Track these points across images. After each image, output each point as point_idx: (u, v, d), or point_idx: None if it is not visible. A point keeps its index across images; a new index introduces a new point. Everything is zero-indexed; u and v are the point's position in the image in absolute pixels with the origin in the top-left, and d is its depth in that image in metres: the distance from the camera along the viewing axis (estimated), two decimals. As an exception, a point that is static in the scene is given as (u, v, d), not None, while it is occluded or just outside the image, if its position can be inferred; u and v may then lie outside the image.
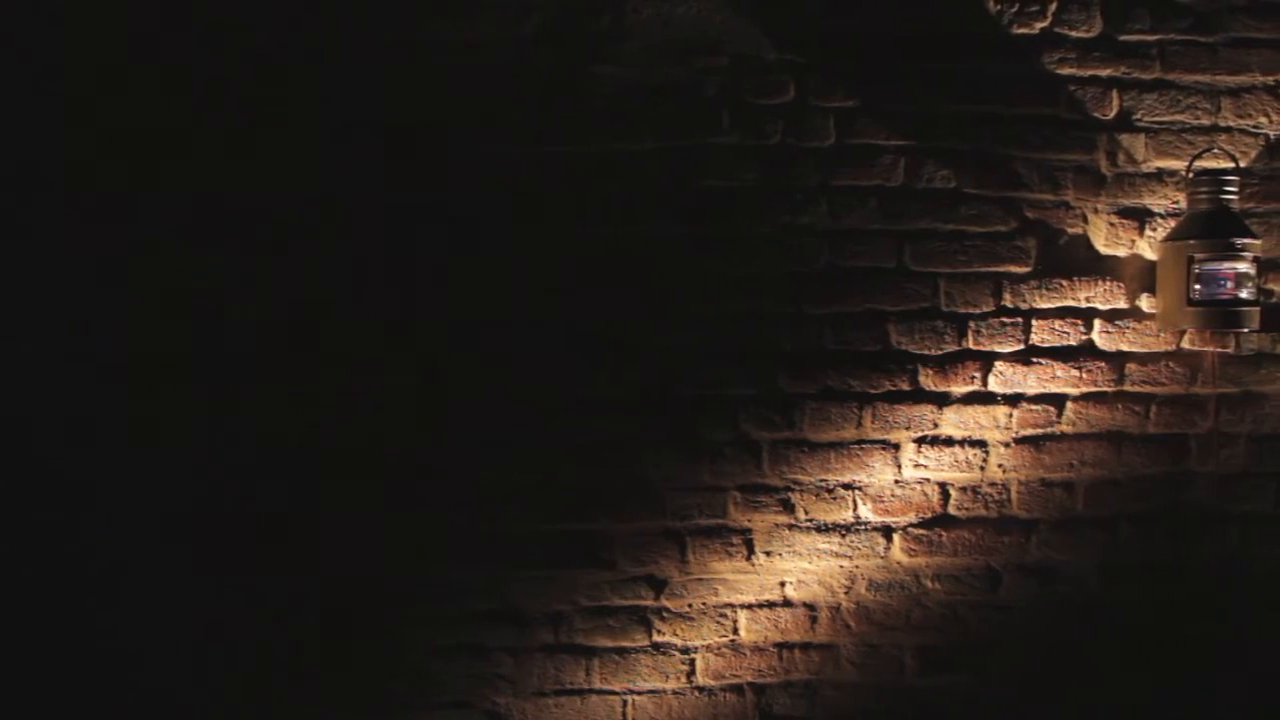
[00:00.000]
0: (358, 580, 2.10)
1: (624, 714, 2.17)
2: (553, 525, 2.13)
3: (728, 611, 2.19)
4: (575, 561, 2.15)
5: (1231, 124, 2.27)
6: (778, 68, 2.15)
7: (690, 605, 2.18)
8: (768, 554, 2.18)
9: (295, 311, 2.06)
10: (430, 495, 2.10)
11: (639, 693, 2.18)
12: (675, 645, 2.18)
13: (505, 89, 2.09)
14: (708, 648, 2.19)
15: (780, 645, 2.20)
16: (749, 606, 2.19)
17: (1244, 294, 2.13)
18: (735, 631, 2.19)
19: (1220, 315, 2.13)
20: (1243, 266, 2.13)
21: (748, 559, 2.18)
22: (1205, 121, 2.26)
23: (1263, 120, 2.27)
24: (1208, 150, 2.25)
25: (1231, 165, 2.23)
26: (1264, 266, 2.25)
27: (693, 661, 2.19)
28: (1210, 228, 2.13)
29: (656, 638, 2.18)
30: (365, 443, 2.08)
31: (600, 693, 2.17)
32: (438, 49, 2.08)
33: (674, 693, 2.19)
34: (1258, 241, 2.14)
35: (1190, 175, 2.22)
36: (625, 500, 2.14)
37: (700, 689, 2.19)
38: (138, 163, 2.03)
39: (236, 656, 2.08)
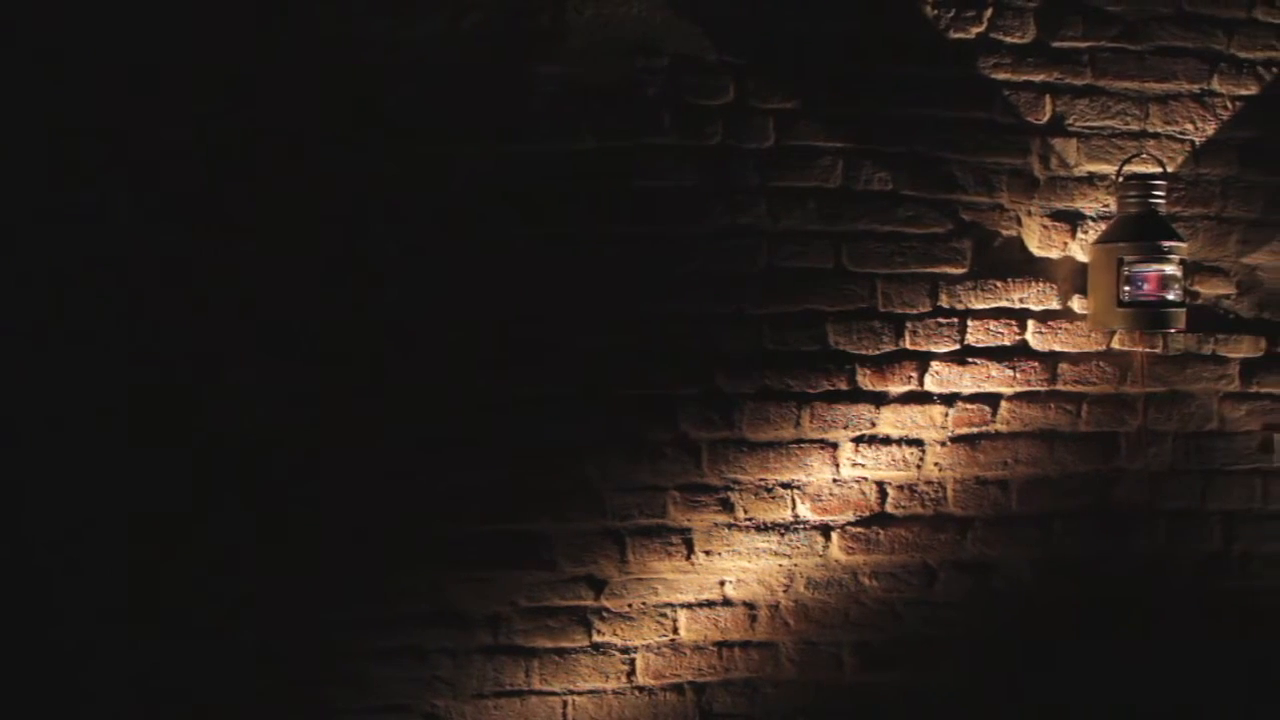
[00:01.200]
0: (295, 583, 2.06)
1: (564, 715, 2.17)
2: (492, 526, 2.12)
3: (668, 611, 2.19)
4: (515, 562, 2.13)
5: (1159, 130, 2.32)
6: (718, 69, 2.15)
7: (630, 605, 2.18)
8: (707, 553, 2.19)
9: (235, 313, 2.03)
10: (368, 497, 2.08)
11: (579, 693, 2.17)
12: (615, 645, 2.18)
13: (443, 88, 2.07)
14: (648, 647, 2.19)
15: (720, 644, 2.21)
16: (689, 606, 2.19)
17: (1171, 295, 2.18)
18: (675, 631, 2.19)
19: (1148, 316, 2.18)
20: (1170, 269, 2.18)
21: (687, 558, 2.18)
22: (1134, 127, 2.31)
23: (1189, 127, 2.33)
24: (1136, 155, 2.30)
25: (1159, 170, 2.28)
26: (1190, 269, 2.31)
27: (633, 661, 2.19)
28: (1139, 231, 2.18)
29: (596, 638, 2.17)
30: (301, 443, 2.05)
31: (540, 694, 2.16)
32: (375, 47, 2.05)
33: (614, 693, 2.18)
34: (1184, 244, 2.20)
35: (1120, 180, 2.26)
36: (565, 500, 2.14)
37: (640, 689, 2.19)
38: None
39: (175, 660, 2.03)
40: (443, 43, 2.07)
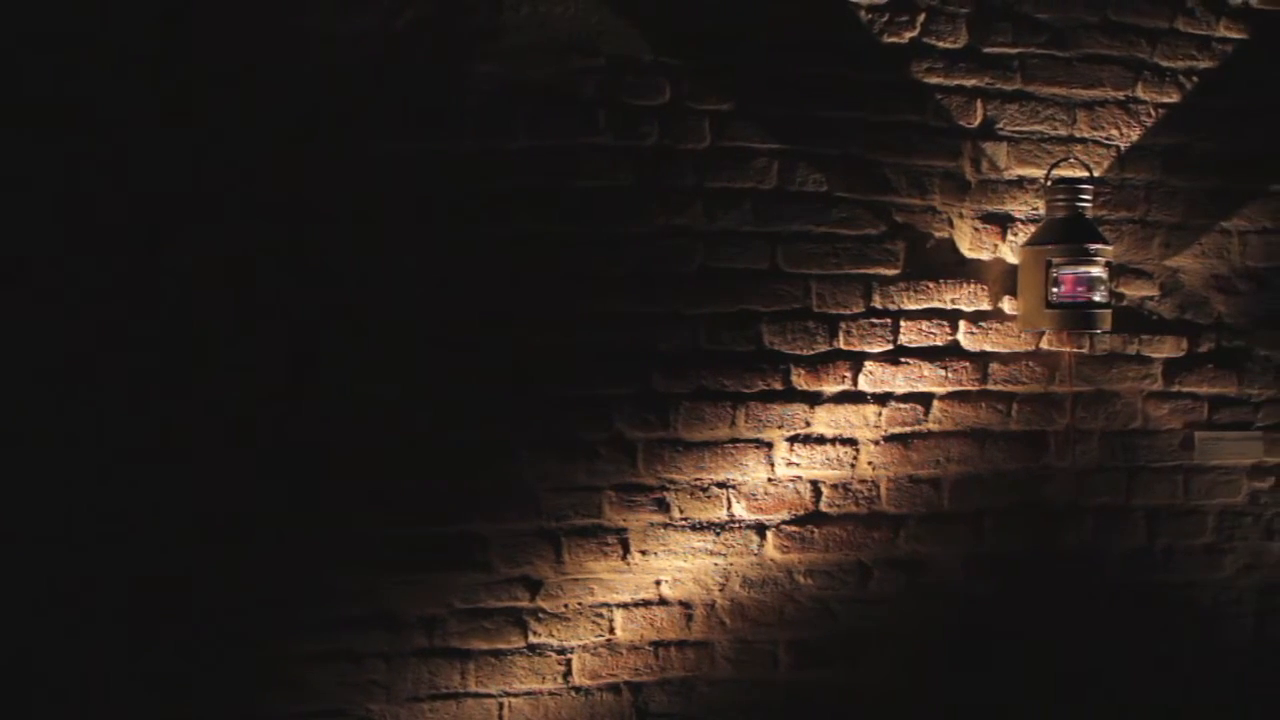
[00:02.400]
0: (227, 587, 2.02)
1: (500, 716, 2.15)
2: (426, 528, 2.10)
3: (604, 611, 2.19)
4: (449, 564, 2.11)
5: (1086, 135, 2.38)
6: (654, 69, 2.16)
7: (566, 605, 2.17)
8: (643, 553, 2.19)
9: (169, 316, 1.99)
10: (301, 498, 2.05)
11: (515, 695, 2.16)
12: (551, 646, 2.17)
13: (377, 84, 2.05)
14: (584, 648, 2.19)
15: (656, 643, 2.21)
16: (625, 605, 2.19)
17: (1097, 297, 2.23)
18: (611, 631, 2.19)
19: (1076, 317, 2.23)
20: (1096, 271, 2.23)
21: (623, 558, 2.18)
22: (1062, 132, 2.36)
23: (1114, 133, 2.39)
24: (1064, 160, 2.35)
25: (1086, 174, 2.33)
26: (1115, 271, 2.36)
27: (569, 662, 2.18)
28: (1067, 234, 2.23)
29: (532, 639, 2.16)
30: (234, 445, 2.02)
31: (476, 696, 2.15)
32: (309, 42, 2.02)
33: (550, 694, 2.18)
34: (1110, 247, 2.25)
35: (1048, 183, 2.31)
36: (500, 501, 2.12)
37: (577, 689, 2.19)
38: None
39: (109, 665, 1.99)
40: (376, 40, 2.05)
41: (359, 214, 2.05)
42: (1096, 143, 2.38)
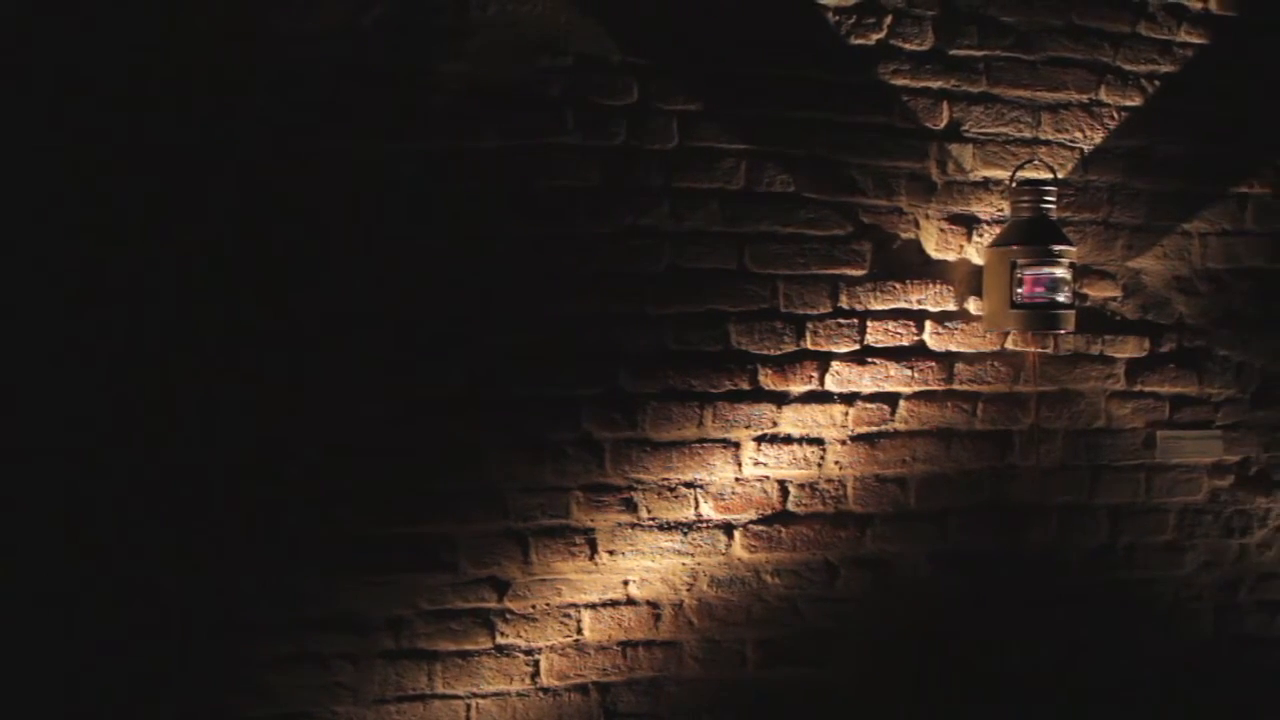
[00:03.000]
0: (191, 589, 2.00)
1: (468, 718, 2.14)
2: (393, 529, 2.08)
3: (571, 611, 2.19)
4: (416, 565, 2.10)
5: (1051, 138, 2.40)
6: (622, 69, 2.16)
7: (534, 606, 2.17)
8: (611, 553, 2.19)
9: (122, 313, 1.96)
10: (266, 499, 2.03)
11: (483, 696, 2.16)
12: (519, 647, 2.17)
13: (345, 83, 2.03)
14: (552, 648, 2.18)
15: (624, 644, 2.21)
16: (593, 606, 2.19)
17: (1061, 298, 2.25)
18: (579, 631, 2.19)
19: (1040, 317, 2.25)
20: (1060, 272, 2.25)
21: (591, 558, 2.18)
22: (1027, 134, 2.39)
23: (1078, 135, 2.41)
24: (1029, 162, 2.37)
25: (1050, 176, 2.35)
26: (1079, 272, 2.39)
27: (537, 663, 2.18)
28: (1031, 235, 2.25)
29: (500, 640, 2.16)
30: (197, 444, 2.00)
31: (443, 697, 2.14)
32: (274, 41, 2.00)
33: (518, 694, 2.17)
34: (1073, 248, 2.27)
35: (1013, 185, 2.33)
36: (467, 502, 2.11)
37: (545, 690, 2.18)
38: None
39: (71, 669, 1.96)
40: (343, 38, 2.03)
41: (326, 214, 2.03)
42: (1061, 145, 2.41)
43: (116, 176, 1.94)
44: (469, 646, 2.14)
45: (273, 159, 2.01)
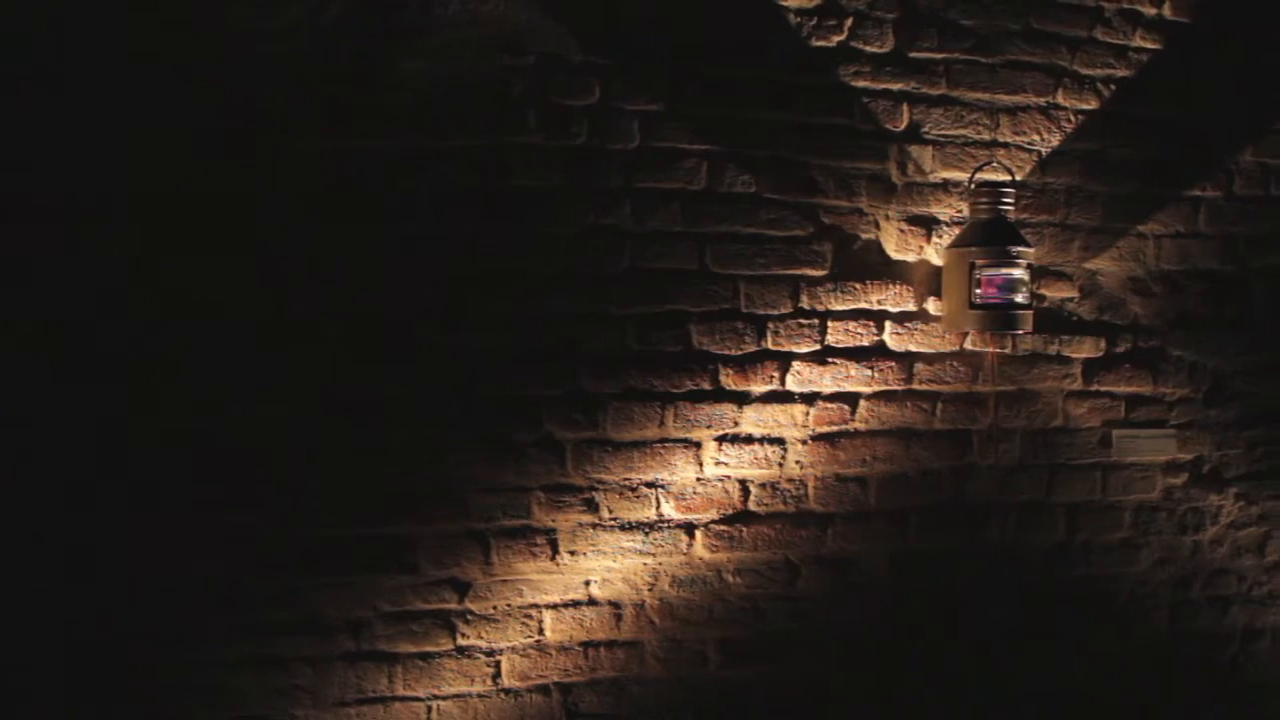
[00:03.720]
0: (147, 591, 1.97)
1: (428, 720, 2.14)
2: (353, 529, 2.07)
3: (533, 612, 2.18)
4: (376, 566, 2.09)
5: (1009, 140, 2.43)
6: (584, 69, 2.15)
7: (495, 607, 2.16)
8: (572, 553, 2.19)
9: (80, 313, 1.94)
10: (226, 499, 2.00)
11: (444, 698, 2.14)
12: (480, 648, 2.16)
13: (305, 80, 2.01)
14: (513, 649, 2.17)
15: (586, 644, 2.21)
16: (554, 606, 2.19)
17: (1019, 298, 2.27)
18: (541, 632, 2.18)
19: (998, 318, 2.27)
20: (1018, 273, 2.27)
21: (552, 559, 2.18)
22: (986, 137, 2.41)
23: (1036, 138, 2.44)
24: (988, 164, 2.39)
25: (1009, 178, 2.38)
26: (1036, 273, 2.41)
27: (498, 664, 2.17)
28: (990, 236, 2.27)
29: (461, 641, 2.15)
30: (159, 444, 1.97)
31: (404, 699, 2.12)
32: (236, 37, 1.98)
33: (480, 696, 2.16)
34: (1031, 250, 2.29)
35: (972, 186, 2.36)
36: (428, 503, 2.10)
37: (506, 691, 2.18)
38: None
39: (25, 670, 1.92)
40: (305, 34, 2.01)
41: (289, 212, 2.01)
42: (1019, 147, 2.44)
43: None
44: (430, 648, 2.13)
45: (231, 155, 1.98)
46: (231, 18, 1.97)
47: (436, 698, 2.14)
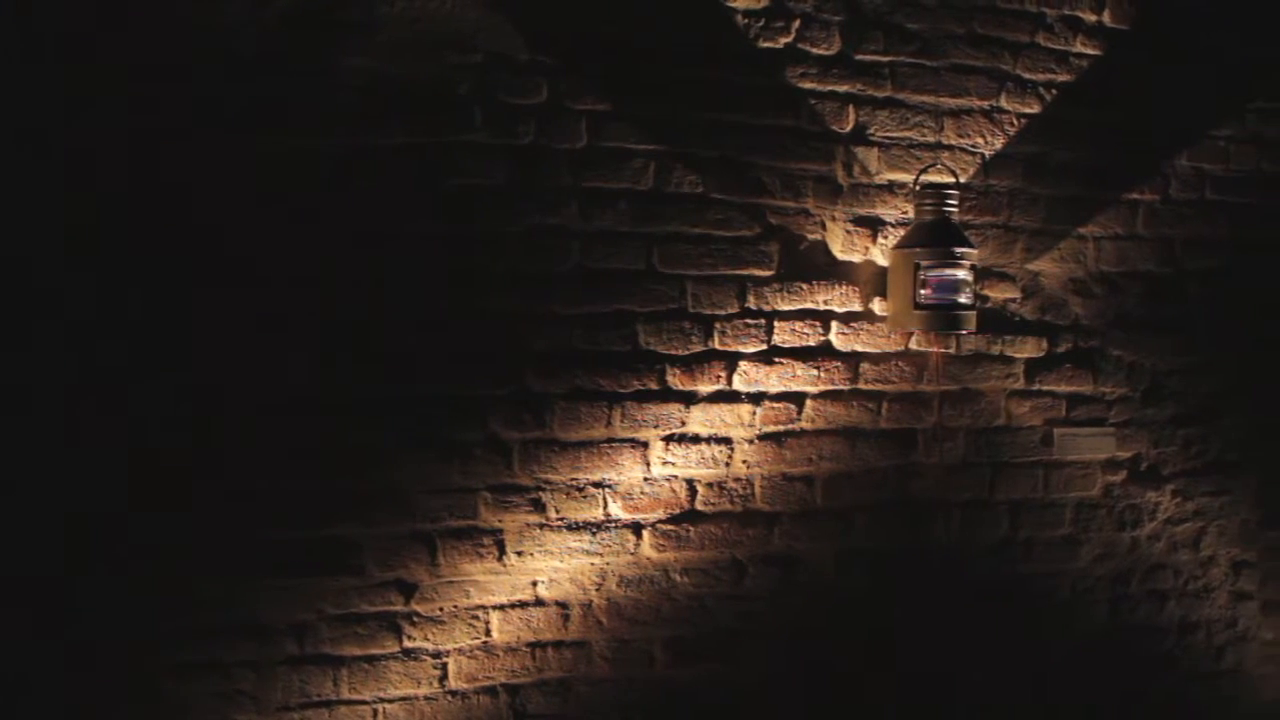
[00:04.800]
0: (82, 595, 1.93)
1: (374, 723, 2.12)
2: (297, 532, 2.04)
3: (480, 613, 2.17)
4: (321, 569, 2.06)
5: (953, 142, 2.46)
6: (531, 68, 2.14)
7: (441, 609, 2.14)
8: (519, 554, 2.18)
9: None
10: (165, 500, 1.96)
11: (390, 700, 2.13)
12: (427, 650, 2.14)
13: (247, 77, 1.98)
14: (460, 651, 2.16)
15: (533, 644, 2.20)
16: (501, 607, 2.18)
17: (963, 299, 2.30)
18: (488, 633, 2.17)
19: (943, 318, 2.30)
20: (962, 274, 2.30)
21: (499, 559, 2.17)
22: (931, 139, 2.44)
23: (979, 140, 2.48)
24: (932, 165, 2.42)
25: (953, 180, 2.41)
26: (980, 274, 2.45)
27: (445, 665, 2.15)
28: (934, 237, 2.30)
29: (407, 643, 2.13)
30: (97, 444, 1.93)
31: (349, 703, 2.10)
32: (178, 30, 1.94)
33: (426, 698, 2.15)
34: (975, 251, 2.33)
35: (917, 188, 2.38)
36: (373, 504, 2.08)
37: (453, 693, 2.16)
38: None
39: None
40: (248, 29, 1.98)
41: (229, 212, 1.98)
42: (963, 150, 2.47)
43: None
44: (375, 651, 2.11)
45: (171, 156, 1.95)
46: (170, 13, 1.94)
47: (382, 700, 2.12)
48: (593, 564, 2.23)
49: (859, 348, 2.39)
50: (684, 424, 2.27)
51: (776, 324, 2.33)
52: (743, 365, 2.31)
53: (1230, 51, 2.68)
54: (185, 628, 1.99)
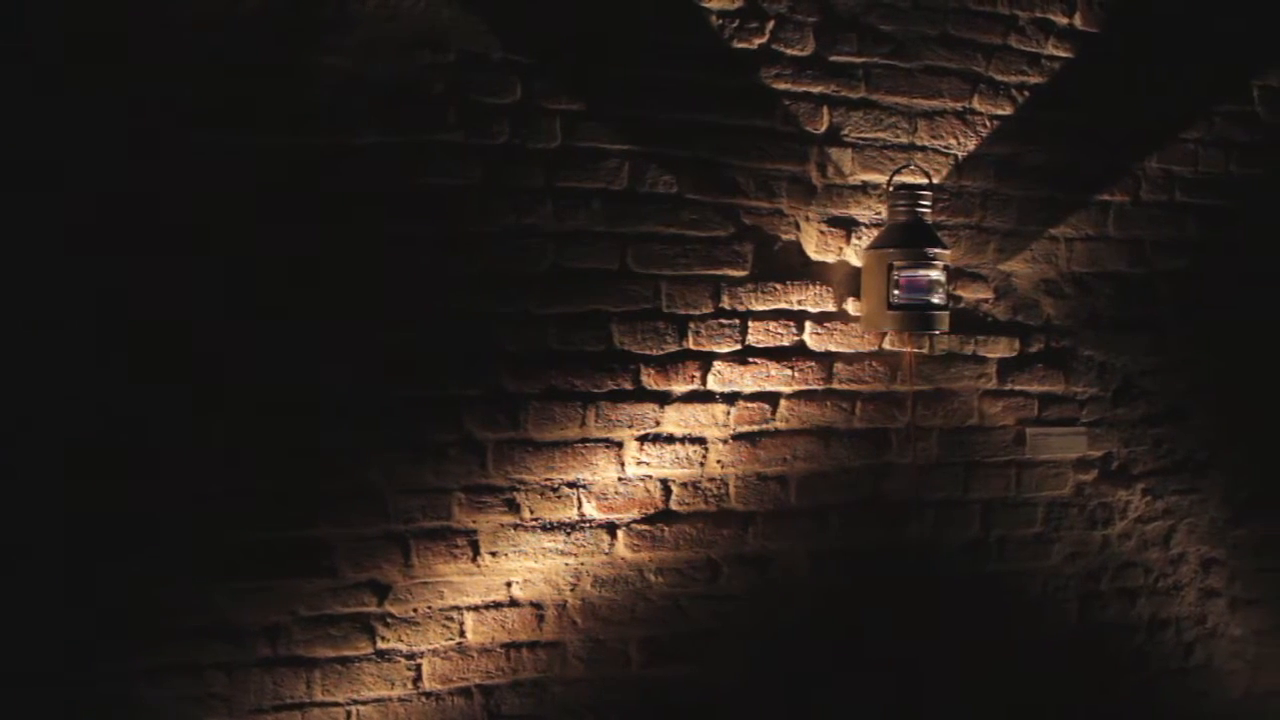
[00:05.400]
0: (52, 599, 1.91)
1: (347, 725, 2.11)
2: (269, 533, 2.03)
3: (454, 614, 2.16)
4: (294, 570, 2.05)
5: (926, 144, 2.47)
6: (505, 67, 2.14)
7: (415, 610, 2.14)
8: (493, 554, 2.17)
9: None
10: (135, 503, 1.95)
11: (363, 702, 2.12)
12: (400, 651, 2.13)
13: (218, 75, 1.97)
14: (434, 652, 2.15)
15: (508, 645, 2.20)
16: (475, 608, 2.17)
17: (936, 299, 2.31)
18: (462, 634, 2.17)
19: (916, 318, 2.31)
20: (935, 274, 2.31)
21: (473, 560, 2.16)
22: (904, 140, 2.45)
23: (952, 142, 2.49)
24: (906, 167, 2.44)
25: (926, 181, 2.42)
26: (953, 274, 2.46)
27: (419, 667, 2.15)
28: (907, 238, 2.31)
29: (381, 645, 2.12)
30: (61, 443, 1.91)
31: (322, 705, 2.09)
32: (145, 28, 1.92)
33: (400, 700, 2.14)
34: (948, 251, 2.34)
35: (891, 189, 2.40)
36: (346, 505, 2.07)
37: (427, 694, 2.15)
38: None
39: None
40: (219, 27, 1.97)
41: (198, 211, 1.96)
42: (936, 151, 2.48)
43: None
44: (349, 652, 2.10)
45: (140, 154, 1.93)
46: (140, 9, 1.92)
47: (356, 702, 2.11)
48: (567, 564, 2.23)
49: (833, 348, 2.40)
50: (658, 424, 2.27)
51: (751, 324, 2.33)
52: (717, 365, 2.31)
53: (1199, 55, 2.71)
54: (156, 631, 1.98)
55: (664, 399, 2.27)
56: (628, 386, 2.24)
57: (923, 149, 2.47)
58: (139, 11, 1.92)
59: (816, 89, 2.37)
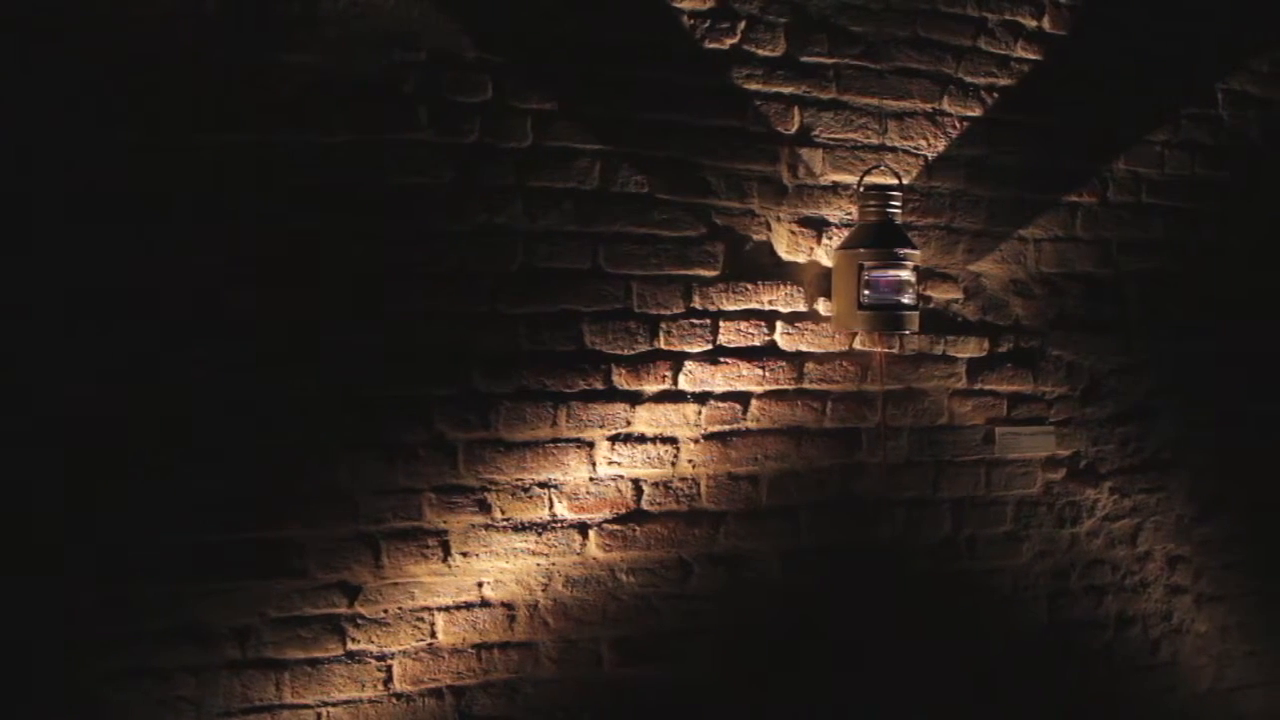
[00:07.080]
0: (18, 599, 1.89)
1: (318, 728, 2.10)
2: (237, 534, 2.01)
3: (425, 615, 2.15)
4: (263, 571, 2.04)
5: (897, 145, 2.49)
6: (476, 66, 2.14)
7: (386, 610, 2.12)
8: (464, 555, 2.17)
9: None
10: (102, 502, 1.93)
11: (334, 704, 2.10)
12: (371, 652, 2.12)
13: (185, 71, 1.95)
14: (405, 653, 2.14)
15: (479, 646, 2.19)
16: (446, 609, 2.17)
17: (906, 299, 2.33)
18: (433, 635, 2.16)
19: (886, 319, 2.32)
20: (905, 274, 2.33)
21: (444, 560, 2.15)
22: (874, 141, 2.47)
23: (923, 143, 2.51)
24: (876, 167, 2.45)
25: (896, 182, 2.44)
26: (923, 275, 2.48)
27: (389, 668, 2.14)
28: (878, 238, 2.32)
29: (351, 646, 2.11)
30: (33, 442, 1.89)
31: (292, 707, 2.07)
32: (110, 24, 1.91)
33: (371, 701, 2.13)
34: (917, 252, 2.36)
35: (861, 190, 2.41)
36: (315, 505, 2.06)
37: (398, 695, 2.14)
38: None
39: None
40: (186, 23, 1.95)
41: (166, 208, 1.95)
42: (906, 152, 2.50)
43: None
44: (319, 654, 2.09)
45: (105, 152, 1.91)
46: (102, 4, 1.90)
47: (326, 704, 2.10)
48: (539, 564, 2.22)
49: (804, 348, 2.41)
50: (630, 424, 2.27)
51: (722, 324, 2.34)
52: (688, 365, 2.32)
53: (1165, 58, 2.74)
54: (123, 633, 1.95)
55: (635, 399, 2.28)
56: (599, 386, 2.24)
57: (893, 150, 2.49)
58: (100, 4, 1.90)
59: (788, 89, 2.39)
